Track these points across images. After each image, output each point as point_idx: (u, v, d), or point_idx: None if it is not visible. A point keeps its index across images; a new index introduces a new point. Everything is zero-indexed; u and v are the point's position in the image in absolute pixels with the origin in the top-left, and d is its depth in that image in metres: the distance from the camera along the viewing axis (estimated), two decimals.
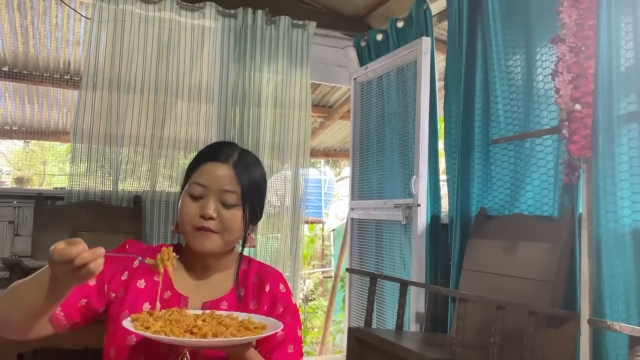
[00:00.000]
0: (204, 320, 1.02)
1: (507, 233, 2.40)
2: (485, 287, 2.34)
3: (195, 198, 1.12)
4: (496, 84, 2.56)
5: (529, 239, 2.28)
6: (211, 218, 1.10)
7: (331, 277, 6.99)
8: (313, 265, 7.83)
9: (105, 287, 1.13)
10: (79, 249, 0.85)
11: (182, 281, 1.14)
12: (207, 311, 1.08)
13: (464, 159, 2.71)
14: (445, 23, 3.23)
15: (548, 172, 2.30)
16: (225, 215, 1.11)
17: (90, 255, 0.86)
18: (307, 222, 7.21)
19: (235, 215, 1.12)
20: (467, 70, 2.72)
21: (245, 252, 1.23)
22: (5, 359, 2.20)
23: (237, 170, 1.13)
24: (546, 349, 2.06)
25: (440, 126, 3.02)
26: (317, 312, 6.41)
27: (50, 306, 0.97)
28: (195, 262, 1.18)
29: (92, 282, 1.09)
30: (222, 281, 1.18)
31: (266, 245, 3.40)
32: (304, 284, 7.05)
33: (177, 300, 1.13)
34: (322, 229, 7.86)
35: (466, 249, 2.58)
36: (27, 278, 0.99)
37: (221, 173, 1.12)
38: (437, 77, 3.07)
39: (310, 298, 6.88)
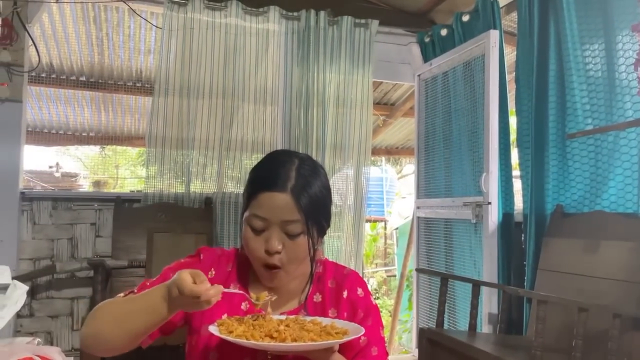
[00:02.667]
0: (287, 326, 1.03)
1: (587, 231, 2.29)
2: (564, 288, 2.25)
3: (257, 231, 1.07)
4: (572, 76, 2.44)
5: (612, 238, 2.17)
6: (277, 252, 1.07)
7: (394, 275, 6.93)
8: (376, 264, 7.79)
9: None
10: (207, 287, 0.94)
11: (257, 292, 1.12)
12: (291, 316, 1.08)
13: (537, 154, 2.61)
14: (513, 15, 3.13)
15: (632, 166, 2.18)
16: (290, 247, 1.07)
17: (214, 293, 0.95)
18: (369, 221, 7.18)
19: (300, 245, 1.07)
20: (540, 62, 2.62)
21: None
22: None
23: (296, 195, 1.05)
24: (632, 354, 1.95)
25: (512, 120, 2.93)
26: (381, 311, 6.37)
27: (156, 326, 1.02)
28: None
29: None
30: (298, 290, 1.17)
31: (329, 244, 3.42)
32: (368, 283, 7.03)
33: (254, 312, 1.11)
34: (385, 228, 7.80)
35: (542, 248, 2.49)
36: (126, 299, 1.04)
37: (280, 203, 1.05)
38: (506, 70, 2.98)
39: (374, 297, 6.84)
